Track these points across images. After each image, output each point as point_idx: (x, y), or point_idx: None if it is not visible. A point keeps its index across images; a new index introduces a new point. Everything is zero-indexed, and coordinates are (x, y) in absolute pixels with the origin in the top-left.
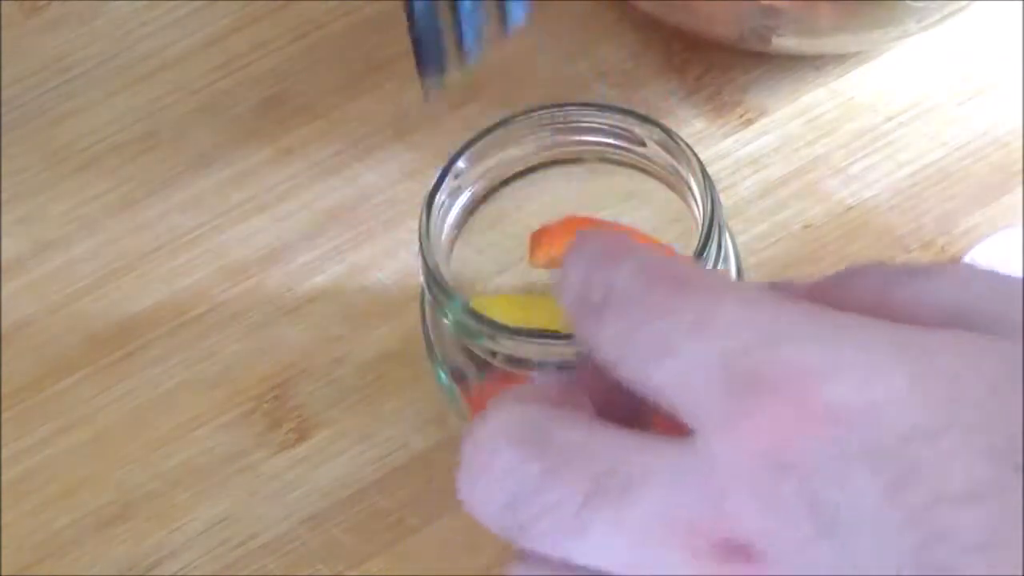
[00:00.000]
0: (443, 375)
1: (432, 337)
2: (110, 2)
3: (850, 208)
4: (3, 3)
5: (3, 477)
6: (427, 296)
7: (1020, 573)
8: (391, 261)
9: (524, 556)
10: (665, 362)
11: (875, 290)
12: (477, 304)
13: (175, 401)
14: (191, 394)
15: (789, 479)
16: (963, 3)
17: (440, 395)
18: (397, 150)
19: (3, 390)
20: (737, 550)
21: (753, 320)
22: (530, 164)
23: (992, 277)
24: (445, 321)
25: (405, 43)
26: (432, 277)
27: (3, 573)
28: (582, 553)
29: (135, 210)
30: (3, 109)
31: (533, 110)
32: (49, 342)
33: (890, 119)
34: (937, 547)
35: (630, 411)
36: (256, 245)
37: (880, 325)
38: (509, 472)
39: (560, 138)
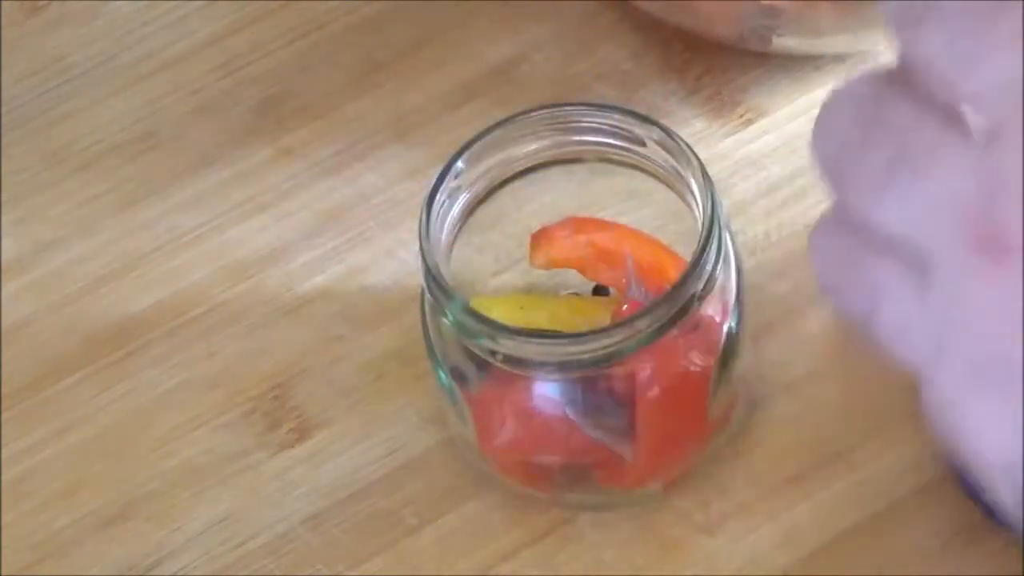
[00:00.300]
0: (443, 375)
1: (432, 337)
2: (110, 2)
3: None
4: (3, 3)
5: (3, 477)
6: (427, 296)
7: None
8: (391, 261)
9: (826, 219)
10: (981, 69)
11: None
12: (477, 304)
13: (175, 401)
14: (191, 394)
15: None
16: None
17: (440, 395)
18: (397, 150)
19: (3, 390)
20: (997, 244)
21: None
22: (530, 164)
23: None
24: (445, 321)
25: (405, 43)
26: (432, 277)
27: (3, 573)
28: (880, 206)
29: (135, 210)
30: (3, 109)
31: (533, 110)
32: (49, 342)
33: None
34: None
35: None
36: (256, 245)
37: None
38: (846, 126)
39: (560, 138)
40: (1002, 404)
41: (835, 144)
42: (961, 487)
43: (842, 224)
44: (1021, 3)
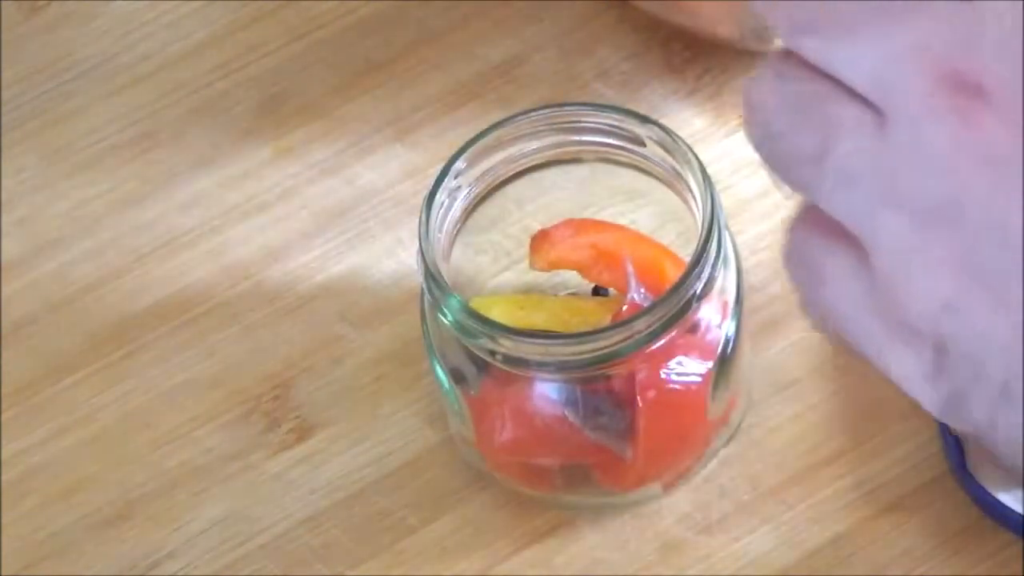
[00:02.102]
0: (443, 375)
1: (432, 337)
2: (110, 2)
3: None
4: (3, 3)
5: (3, 477)
6: (426, 296)
7: None
8: (391, 261)
9: (770, 65)
10: None
11: None
12: (477, 304)
13: (175, 401)
14: (191, 394)
15: None
16: None
17: (440, 395)
18: (397, 150)
19: (3, 390)
20: (970, 86)
21: None
22: (530, 164)
23: None
24: (445, 321)
25: (404, 43)
26: (432, 277)
27: (3, 573)
28: (846, 54)
29: (135, 210)
30: (3, 109)
31: (533, 110)
32: (49, 342)
33: None
34: None
35: None
36: (256, 245)
37: None
38: None
39: (560, 138)
40: (949, 248)
41: None
42: (961, 487)
43: (792, 70)
44: None
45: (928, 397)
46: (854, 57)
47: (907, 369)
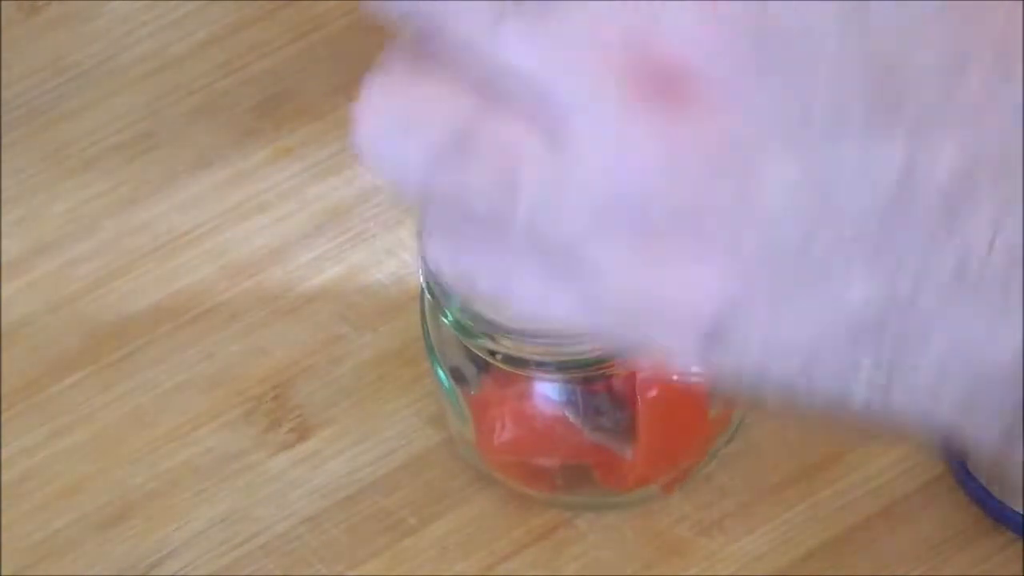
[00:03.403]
0: (443, 375)
1: (432, 337)
2: (110, 2)
3: None
4: (3, 3)
5: (3, 477)
6: (427, 296)
7: (967, 105)
8: (391, 261)
9: (409, 60)
10: None
11: None
12: None
13: (175, 401)
14: (191, 394)
15: (730, 6)
16: None
17: (440, 395)
18: None
19: (3, 390)
20: (667, 78)
21: None
22: None
23: None
24: (445, 321)
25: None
26: (432, 277)
27: (3, 573)
28: (500, 50)
29: (135, 210)
30: (3, 109)
31: None
32: (49, 342)
33: None
34: (891, 78)
35: None
36: (256, 245)
37: None
38: None
39: None
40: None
41: None
42: (961, 487)
43: (420, 85)
44: None
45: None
46: (512, 56)
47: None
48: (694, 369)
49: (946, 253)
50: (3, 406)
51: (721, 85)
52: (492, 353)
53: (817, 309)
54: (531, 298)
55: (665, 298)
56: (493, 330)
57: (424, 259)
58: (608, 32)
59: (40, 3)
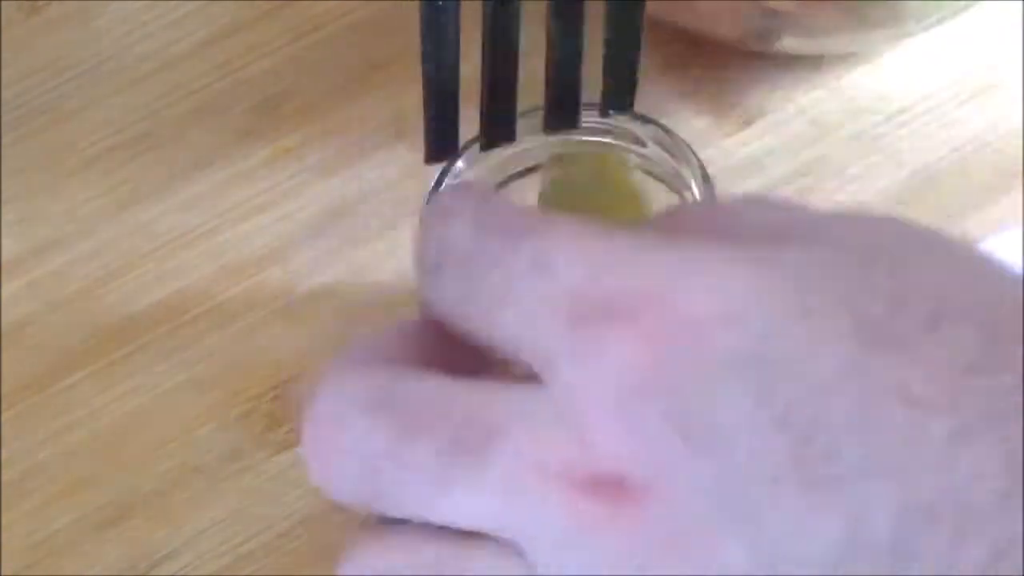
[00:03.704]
0: None
1: None
2: (110, 2)
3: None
4: (3, 3)
5: (3, 477)
6: None
7: (894, 449)
8: (391, 261)
9: (377, 525)
10: (507, 310)
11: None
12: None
13: (175, 401)
14: (191, 394)
15: (653, 401)
16: (963, 3)
17: None
18: (397, 150)
19: (3, 390)
20: (612, 486)
21: (590, 252)
22: (530, 164)
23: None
24: None
25: (404, 43)
26: None
27: (3, 573)
28: (449, 513)
29: (135, 210)
30: (3, 109)
31: (533, 110)
32: (49, 342)
33: (890, 119)
34: (812, 442)
35: (474, 372)
36: (256, 245)
37: (716, 242)
38: (359, 441)
39: (560, 138)
40: None
41: (356, 469)
42: None
43: (402, 533)
44: (539, 220)
45: None
46: (458, 507)
47: None
48: None
49: None
50: (3, 406)
51: (658, 483)
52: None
53: None
54: None
55: None
56: None
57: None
58: (543, 460)
59: (40, 3)
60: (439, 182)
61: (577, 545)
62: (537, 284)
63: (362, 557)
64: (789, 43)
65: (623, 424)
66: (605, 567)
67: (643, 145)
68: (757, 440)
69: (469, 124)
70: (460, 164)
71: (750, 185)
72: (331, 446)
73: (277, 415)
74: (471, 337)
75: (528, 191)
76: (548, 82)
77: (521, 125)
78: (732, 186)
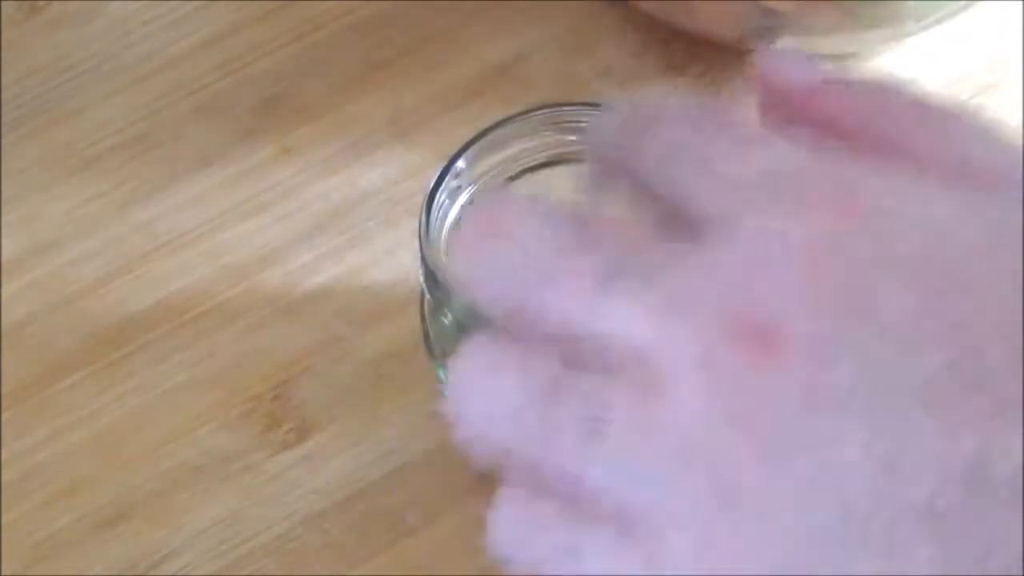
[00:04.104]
0: (443, 375)
1: (432, 337)
2: (110, 2)
3: None
4: (3, 3)
5: (3, 477)
6: (427, 296)
7: None
8: (391, 261)
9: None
10: (707, 177)
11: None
12: None
13: (175, 401)
14: (191, 394)
15: (827, 270)
16: (963, 3)
17: (440, 395)
18: (397, 150)
19: (3, 390)
20: (764, 337)
21: (793, 145)
22: (530, 164)
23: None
24: (445, 321)
25: (404, 43)
26: (432, 277)
27: (3, 573)
28: (605, 318)
29: (135, 210)
30: (3, 109)
31: (533, 110)
32: (49, 342)
33: None
34: (967, 365)
35: None
36: (256, 245)
37: (924, 170)
38: (530, 238)
39: (560, 138)
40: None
41: (518, 262)
42: None
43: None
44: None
45: None
46: (613, 320)
47: None
48: None
49: (1011, 536)
50: (3, 406)
51: (805, 345)
52: None
53: None
54: (597, 571)
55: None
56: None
57: (424, 260)
58: (704, 297)
59: (40, 3)
60: (439, 182)
61: (719, 377)
62: (741, 155)
63: (475, 354)
64: (788, 43)
65: (797, 285)
66: (737, 402)
67: None
68: (911, 346)
69: (469, 124)
70: (460, 164)
71: None
72: (498, 238)
73: (277, 415)
74: (660, 192)
75: (527, 190)
76: None
77: (521, 125)
78: None
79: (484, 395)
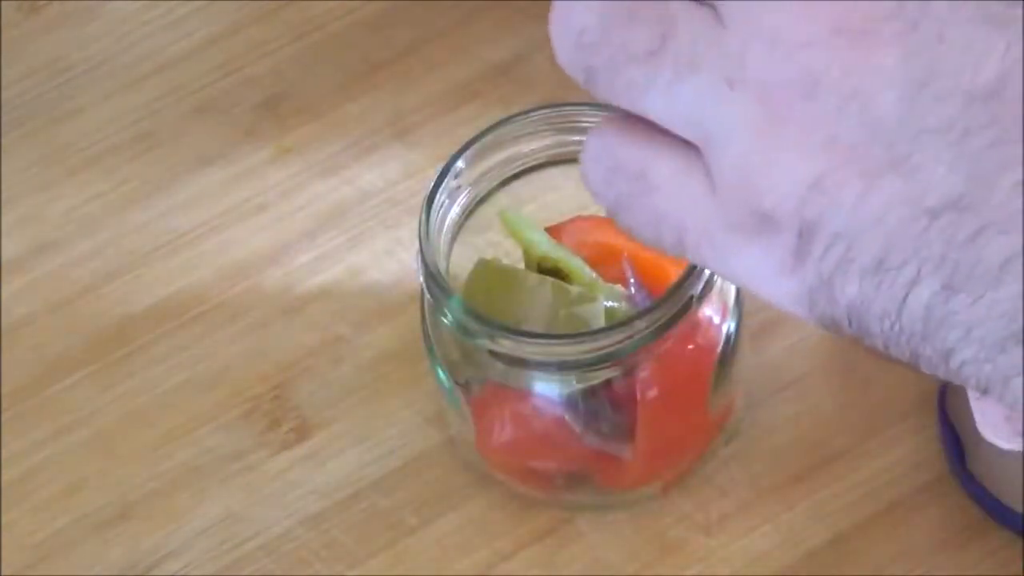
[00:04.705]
0: (443, 375)
1: (432, 337)
2: (110, 2)
3: None
4: (3, 3)
5: (3, 477)
6: (427, 296)
7: None
8: (391, 261)
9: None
10: None
11: None
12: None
13: (175, 401)
14: (191, 394)
15: None
16: None
17: (440, 395)
18: (397, 150)
19: (3, 390)
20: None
21: None
22: (530, 164)
23: None
24: (445, 321)
25: (404, 43)
26: (432, 277)
27: (3, 573)
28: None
29: (135, 210)
30: (3, 109)
31: (533, 110)
32: (49, 342)
33: None
34: None
35: None
36: (256, 245)
37: None
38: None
39: (560, 138)
40: (807, 126)
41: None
42: (961, 487)
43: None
44: None
45: (785, 290)
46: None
47: (756, 266)
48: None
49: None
50: (3, 406)
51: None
52: (492, 353)
53: (901, 191)
54: (662, 193)
55: (764, 181)
56: (493, 330)
57: (423, 261)
58: None
59: (40, 3)
60: (439, 182)
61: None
62: None
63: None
64: None
65: None
66: (787, 38)
67: None
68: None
69: (469, 124)
70: (460, 164)
71: None
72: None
73: (277, 415)
74: None
75: (527, 190)
76: None
77: (521, 125)
78: None
79: (579, 11)
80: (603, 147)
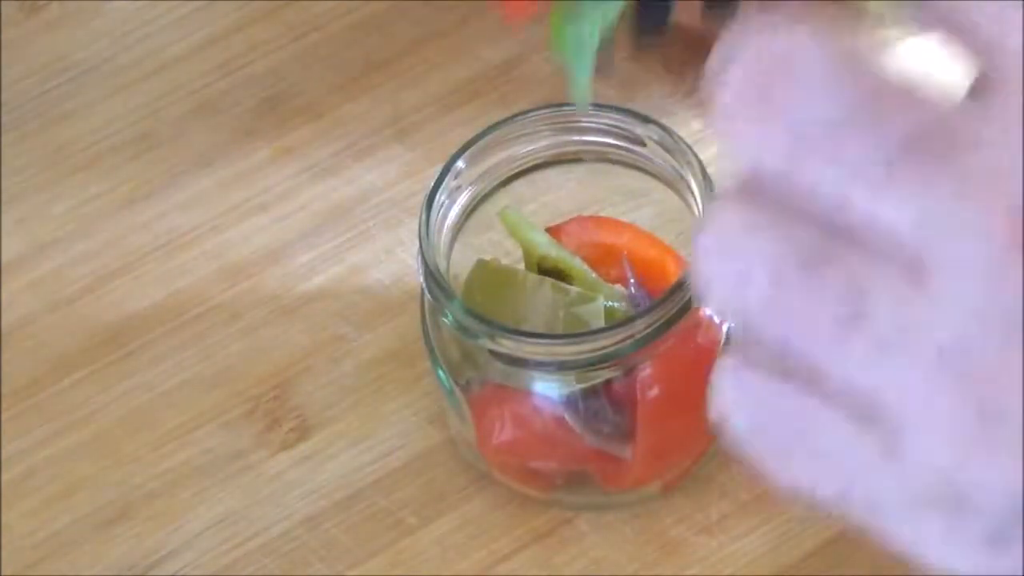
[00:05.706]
0: (443, 375)
1: (432, 337)
2: (110, 2)
3: None
4: (3, 3)
5: (3, 477)
6: (427, 296)
7: None
8: (391, 261)
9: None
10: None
11: None
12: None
13: (175, 401)
14: (191, 394)
15: None
16: None
17: (440, 395)
18: (397, 150)
19: (3, 390)
20: None
21: None
22: (530, 164)
23: None
24: (445, 321)
25: (404, 43)
26: (432, 277)
27: (3, 573)
28: (880, 204)
29: (135, 210)
30: (3, 109)
31: (533, 110)
32: (49, 342)
33: None
34: None
35: None
36: (256, 245)
37: None
38: (802, 107)
39: (560, 138)
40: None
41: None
42: None
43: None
44: None
45: (976, 561)
46: (893, 202)
47: (941, 539)
48: None
49: None
50: (3, 406)
51: None
52: (492, 353)
53: None
54: (826, 454)
55: (967, 477)
56: (493, 330)
57: (423, 261)
58: (990, 195)
59: (40, 3)
60: (439, 182)
61: (1000, 286)
62: None
63: (729, 211)
64: None
65: None
66: (1013, 314)
67: (643, 145)
68: None
69: (469, 124)
70: (460, 164)
71: None
72: (770, 95)
73: (277, 415)
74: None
75: (527, 190)
76: None
77: (521, 125)
78: None
79: (740, 255)
80: (745, 390)
